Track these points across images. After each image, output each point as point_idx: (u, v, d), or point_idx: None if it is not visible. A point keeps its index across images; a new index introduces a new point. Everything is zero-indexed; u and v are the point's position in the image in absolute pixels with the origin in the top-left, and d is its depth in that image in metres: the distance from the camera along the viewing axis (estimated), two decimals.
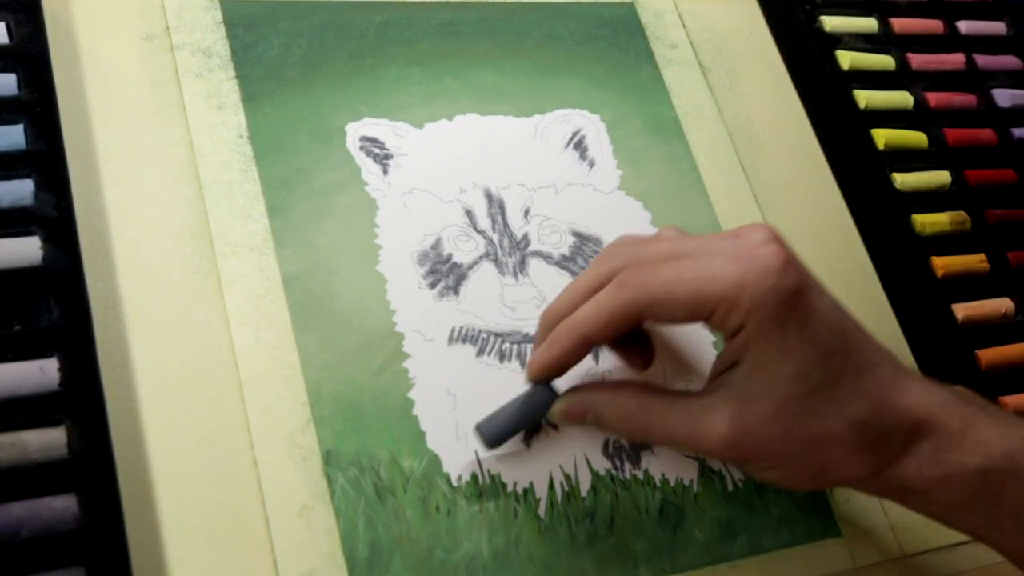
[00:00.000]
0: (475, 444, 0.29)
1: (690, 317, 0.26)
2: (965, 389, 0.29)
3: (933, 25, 0.43)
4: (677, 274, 0.26)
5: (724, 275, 0.25)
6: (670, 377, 0.32)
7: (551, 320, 0.28)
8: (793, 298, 0.25)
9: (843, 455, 0.26)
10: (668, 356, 0.32)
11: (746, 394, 0.26)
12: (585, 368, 0.32)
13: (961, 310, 0.37)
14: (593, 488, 0.30)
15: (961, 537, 0.33)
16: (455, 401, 0.30)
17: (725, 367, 0.27)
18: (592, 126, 0.36)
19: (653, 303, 0.26)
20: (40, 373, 0.26)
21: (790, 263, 0.26)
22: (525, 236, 0.33)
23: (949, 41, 0.43)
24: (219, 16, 0.33)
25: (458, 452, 0.29)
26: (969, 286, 0.38)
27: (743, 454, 0.27)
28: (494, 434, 0.28)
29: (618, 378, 0.31)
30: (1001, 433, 0.27)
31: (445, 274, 0.32)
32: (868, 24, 0.42)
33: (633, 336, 0.29)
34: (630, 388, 0.28)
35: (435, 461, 0.29)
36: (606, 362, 0.32)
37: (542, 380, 0.28)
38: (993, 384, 0.36)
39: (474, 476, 0.29)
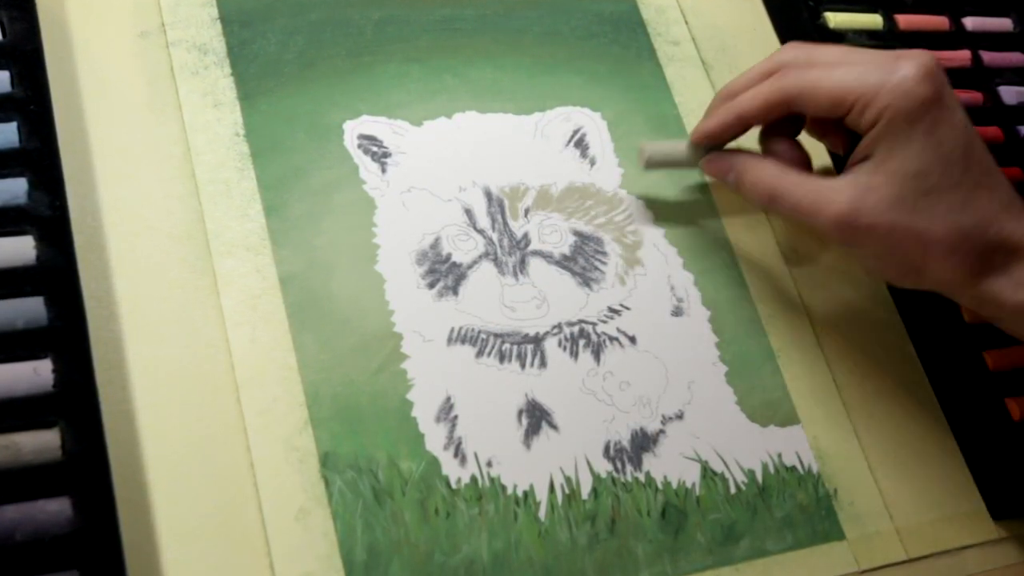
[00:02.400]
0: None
1: (832, 110, 0.30)
2: None
3: (939, 21, 0.43)
4: (828, 72, 0.30)
5: (867, 77, 0.29)
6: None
7: (723, 94, 0.33)
8: (925, 103, 0.29)
9: (941, 256, 0.29)
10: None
11: (869, 183, 0.29)
12: (588, 368, 0.31)
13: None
14: (594, 490, 0.30)
15: (967, 540, 0.33)
16: (454, 402, 0.30)
17: (857, 160, 0.30)
18: (593, 124, 0.36)
19: (802, 91, 0.30)
20: (34, 374, 0.26)
21: (931, 76, 0.29)
22: (525, 235, 0.33)
23: (955, 37, 0.43)
24: (215, 12, 0.33)
25: (456, 454, 0.29)
26: None
27: (852, 234, 0.30)
28: (655, 156, 0.33)
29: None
30: None
31: (444, 274, 0.32)
32: (873, 20, 0.42)
33: (787, 141, 0.32)
34: (772, 160, 0.32)
35: (434, 463, 0.29)
36: (607, 363, 0.32)
37: (701, 144, 0.33)
38: (1000, 385, 0.36)
39: (473, 478, 0.29)
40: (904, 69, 0.29)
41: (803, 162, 0.32)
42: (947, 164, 0.29)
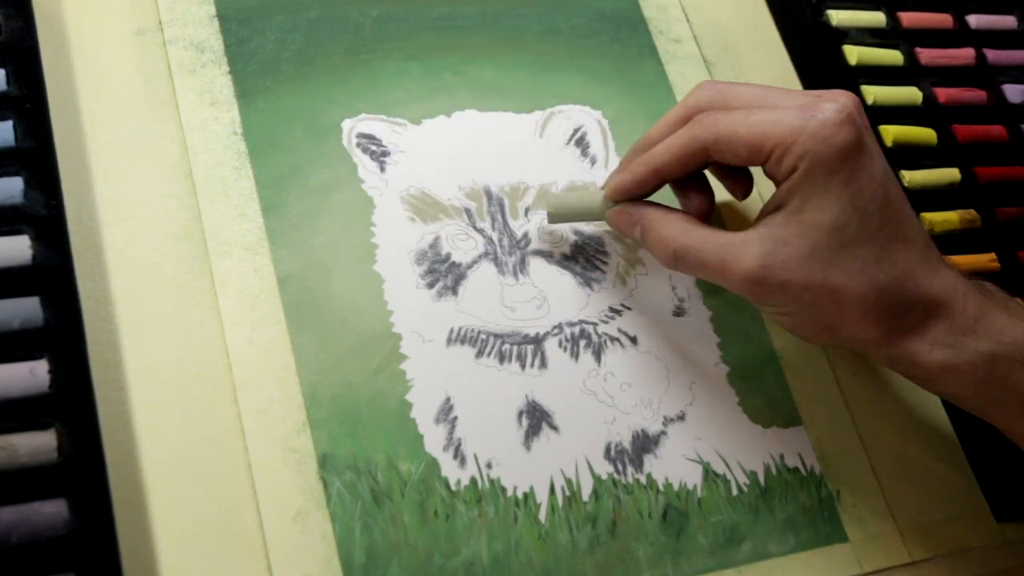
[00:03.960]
0: (541, 215, 0.32)
1: (750, 158, 0.28)
2: (992, 284, 0.30)
3: (942, 19, 0.43)
4: (745, 118, 0.28)
5: (785, 122, 0.27)
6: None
7: (637, 146, 0.31)
8: (844, 152, 0.27)
9: (858, 315, 0.28)
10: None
11: (782, 235, 0.28)
12: (588, 369, 0.31)
13: None
14: (595, 492, 0.30)
15: (971, 542, 0.33)
16: (454, 403, 0.30)
17: (770, 210, 0.29)
18: (594, 122, 0.36)
19: (717, 139, 0.28)
20: (30, 375, 0.26)
21: (852, 121, 0.27)
22: (525, 235, 0.33)
23: (959, 35, 0.43)
24: (212, 10, 0.33)
25: (456, 455, 0.29)
26: None
27: (765, 292, 0.28)
28: (559, 209, 0.31)
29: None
30: (1014, 323, 0.28)
31: (444, 274, 0.31)
32: (876, 18, 0.42)
33: (697, 184, 0.31)
34: (680, 215, 0.30)
35: (433, 465, 0.29)
36: (608, 364, 0.32)
37: (616, 200, 0.31)
38: None
39: (473, 480, 0.29)
40: (824, 113, 0.27)
41: (710, 208, 0.31)
42: (864, 216, 0.27)
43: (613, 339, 0.32)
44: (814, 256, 0.27)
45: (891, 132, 0.39)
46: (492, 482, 0.29)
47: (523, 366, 0.31)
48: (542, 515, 0.29)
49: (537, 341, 0.31)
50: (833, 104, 0.27)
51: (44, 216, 0.28)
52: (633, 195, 0.31)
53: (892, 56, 0.41)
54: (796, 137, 0.27)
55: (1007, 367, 0.27)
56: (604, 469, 0.30)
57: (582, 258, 0.33)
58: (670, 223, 0.30)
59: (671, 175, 0.30)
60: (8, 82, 0.29)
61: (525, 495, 0.29)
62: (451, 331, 0.31)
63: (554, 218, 0.31)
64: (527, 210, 0.33)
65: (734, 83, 0.30)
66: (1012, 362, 0.27)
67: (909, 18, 0.42)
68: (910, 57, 0.41)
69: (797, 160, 0.27)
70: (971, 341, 0.27)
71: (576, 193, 0.32)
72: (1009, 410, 0.28)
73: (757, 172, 0.31)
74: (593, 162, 0.35)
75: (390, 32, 0.35)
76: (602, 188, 0.32)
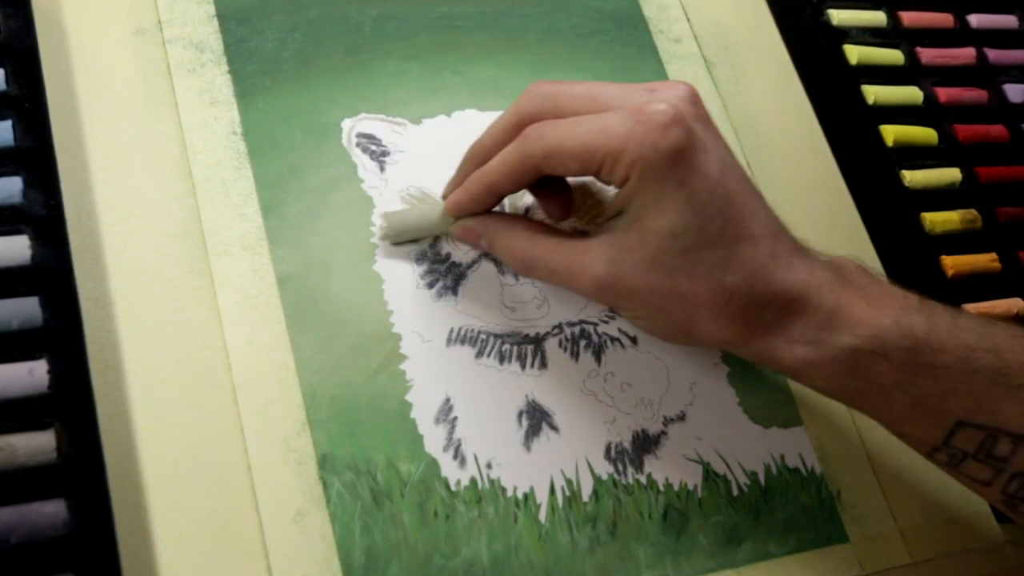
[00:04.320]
0: (376, 232, 0.31)
1: (582, 170, 0.27)
2: (854, 263, 0.29)
3: (943, 19, 0.43)
4: (572, 128, 0.27)
5: (612, 129, 0.26)
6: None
7: (471, 153, 0.30)
8: (674, 155, 0.26)
9: (710, 317, 0.27)
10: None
11: (624, 242, 0.27)
12: (588, 369, 0.31)
13: (972, 311, 0.36)
14: (595, 493, 0.30)
15: (972, 543, 0.33)
16: (454, 404, 0.30)
17: (612, 215, 0.28)
18: None
19: (548, 154, 0.27)
20: (29, 375, 0.26)
21: (678, 121, 0.26)
22: None
23: (959, 35, 0.43)
24: (212, 10, 0.33)
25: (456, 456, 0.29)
26: (980, 286, 0.37)
27: (615, 298, 0.28)
28: (396, 228, 0.30)
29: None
30: (873, 314, 0.27)
31: (443, 273, 0.31)
32: (877, 18, 0.41)
33: (553, 186, 0.30)
34: (525, 222, 0.30)
35: (433, 465, 0.29)
36: (608, 364, 0.31)
37: (457, 216, 0.30)
38: None
39: (473, 480, 0.29)
40: (651, 115, 0.26)
41: (567, 207, 0.30)
42: (704, 219, 0.26)
43: (613, 339, 0.32)
44: (657, 263, 0.27)
45: (892, 132, 0.39)
46: (492, 482, 0.29)
47: (523, 366, 0.31)
48: (542, 516, 0.29)
49: (537, 341, 0.31)
50: (661, 105, 0.26)
51: (43, 216, 0.27)
52: (473, 212, 0.30)
53: (893, 56, 0.41)
54: (624, 145, 0.26)
55: (867, 360, 0.27)
56: (604, 469, 0.30)
57: None
58: (515, 234, 0.29)
59: (506, 191, 0.29)
60: (7, 82, 0.29)
61: (525, 496, 0.29)
62: (451, 331, 0.31)
63: (394, 239, 0.30)
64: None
65: (566, 83, 0.28)
66: (872, 355, 0.26)
67: (910, 18, 0.42)
68: (911, 57, 0.41)
69: (628, 169, 0.26)
70: (830, 336, 0.27)
71: (416, 211, 0.31)
72: (875, 401, 0.27)
73: None
74: None
75: (390, 31, 0.35)
76: (442, 199, 0.31)
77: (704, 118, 0.28)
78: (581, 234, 0.30)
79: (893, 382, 0.27)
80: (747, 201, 0.27)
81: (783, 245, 0.28)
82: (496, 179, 0.29)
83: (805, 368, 0.27)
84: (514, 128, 0.28)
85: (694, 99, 0.27)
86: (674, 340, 0.30)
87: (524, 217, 0.30)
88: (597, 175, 0.27)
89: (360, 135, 0.33)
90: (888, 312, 0.27)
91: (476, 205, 0.30)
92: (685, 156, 0.26)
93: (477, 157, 0.30)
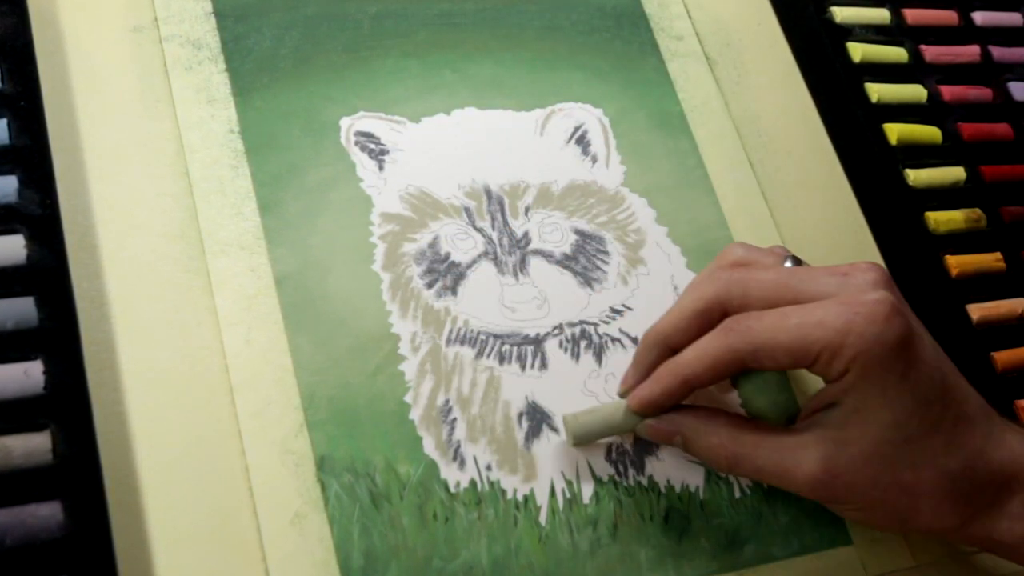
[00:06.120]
0: (561, 434, 0.29)
1: (794, 363, 0.27)
2: None
3: (947, 16, 0.42)
4: (781, 320, 0.26)
5: (828, 322, 0.26)
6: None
7: (652, 341, 0.29)
8: (898, 347, 0.26)
9: (932, 505, 0.27)
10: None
11: (841, 436, 0.27)
12: (589, 370, 0.31)
13: (976, 311, 0.36)
14: (596, 495, 0.29)
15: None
16: (453, 405, 0.29)
17: (821, 407, 0.27)
18: (595, 121, 0.35)
19: (757, 350, 0.27)
20: (24, 376, 0.25)
21: (897, 311, 0.26)
22: (525, 234, 0.33)
23: (964, 33, 0.42)
24: (209, 7, 0.33)
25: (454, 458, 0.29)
26: (984, 286, 0.37)
27: (832, 494, 0.27)
28: (581, 435, 0.29)
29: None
30: None
31: (443, 273, 0.31)
32: (880, 15, 0.41)
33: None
34: (723, 417, 0.29)
35: (432, 467, 0.28)
36: (609, 365, 0.31)
37: (645, 415, 0.29)
38: (1009, 387, 0.35)
39: (472, 483, 0.28)
40: (868, 306, 0.25)
41: None
42: (926, 406, 0.26)
43: (614, 340, 0.32)
44: (879, 455, 0.26)
45: (895, 130, 0.39)
46: (492, 484, 0.29)
47: (523, 367, 0.31)
48: (542, 518, 0.29)
49: (537, 342, 0.31)
50: (874, 294, 0.26)
51: (39, 215, 0.27)
52: (664, 408, 0.29)
53: (896, 53, 0.41)
54: (843, 339, 0.25)
55: None
56: (605, 471, 0.30)
57: (583, 258, 0.33)
58: (715, 430, 0.28)
59: (701, 385, 0.28)
60: (2, 80, 0.29)
61: (525, 498, 0.29)
62: (450, 332, 0.30)
63: (579, 443, 0.29)
64: (527, 209, 0.33)
65: (753, 269, 0.28)
66: None
67: (913, 15, 0.42)
68: (915, 54, 0.41)
69: (849, 363, 0.26)
70: None
71: (599, 413, 0.29)
72: None
73: None
74: (594, 161, 0.35)
75: (388, 29, 0.35)
76: (620, 395, 0.30)
77: (903, 298, 0.27)
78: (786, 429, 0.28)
79: None
80: (958, 381, 0.27)
81: (994, 423, 0.28)
82: (693, 373, 0.27)
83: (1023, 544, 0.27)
84: (702, 316, 0.28)
85: (890, 281, 0.27)
86: (888, 529, 0.30)
87: (721, 411, 0.29)
88: (809, 368, 0.27)
89: (359, 133, 0.32)
90: None
91: (669, 401, 0.28)
92: (908, 346, 0.26)
93: (658, 347, 0.28)
